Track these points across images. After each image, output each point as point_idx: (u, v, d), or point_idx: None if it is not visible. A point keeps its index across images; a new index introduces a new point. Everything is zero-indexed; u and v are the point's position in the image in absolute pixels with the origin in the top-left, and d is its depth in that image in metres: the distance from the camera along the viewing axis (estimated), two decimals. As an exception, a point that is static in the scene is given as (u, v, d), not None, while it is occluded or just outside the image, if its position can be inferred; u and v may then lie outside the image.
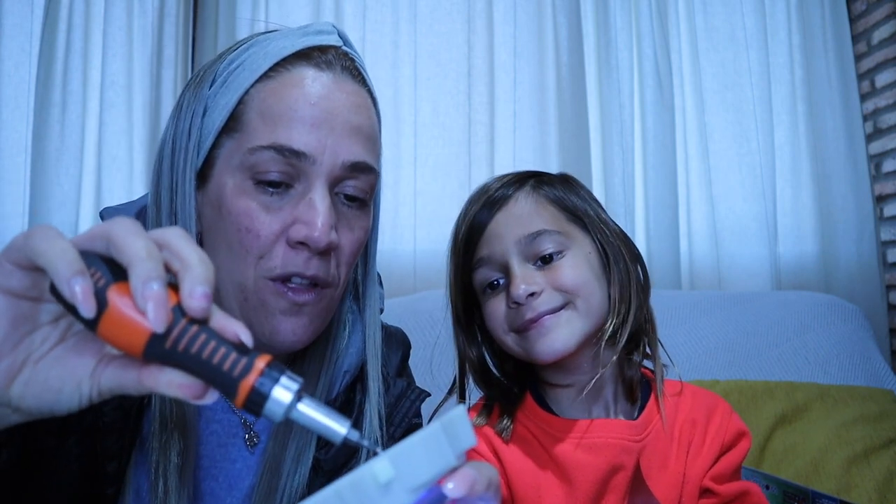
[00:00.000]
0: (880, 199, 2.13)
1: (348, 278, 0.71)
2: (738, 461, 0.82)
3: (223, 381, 0.39)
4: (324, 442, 0.69)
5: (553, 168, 2.01)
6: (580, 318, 0.77)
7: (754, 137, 2.11)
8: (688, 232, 2.10)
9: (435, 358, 1.46)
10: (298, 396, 0.40)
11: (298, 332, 0.65)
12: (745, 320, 1.65)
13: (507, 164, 2.03)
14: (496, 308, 0.79)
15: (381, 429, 0.72)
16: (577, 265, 0.78)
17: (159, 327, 0.38)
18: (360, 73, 0.69)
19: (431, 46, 2.07)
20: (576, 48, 2.07)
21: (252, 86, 0.64)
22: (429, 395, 0.81)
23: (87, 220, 1.89)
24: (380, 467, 0.36)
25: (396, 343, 0.85)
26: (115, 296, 0.39)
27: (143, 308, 0.38)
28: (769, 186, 2.10)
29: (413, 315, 1.61)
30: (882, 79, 2.12)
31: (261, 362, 0.40)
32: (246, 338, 0.40)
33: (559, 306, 0.76)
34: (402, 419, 0.76)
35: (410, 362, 0.91)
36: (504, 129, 2.06)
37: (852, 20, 2.21)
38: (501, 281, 0.79)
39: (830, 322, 1.65)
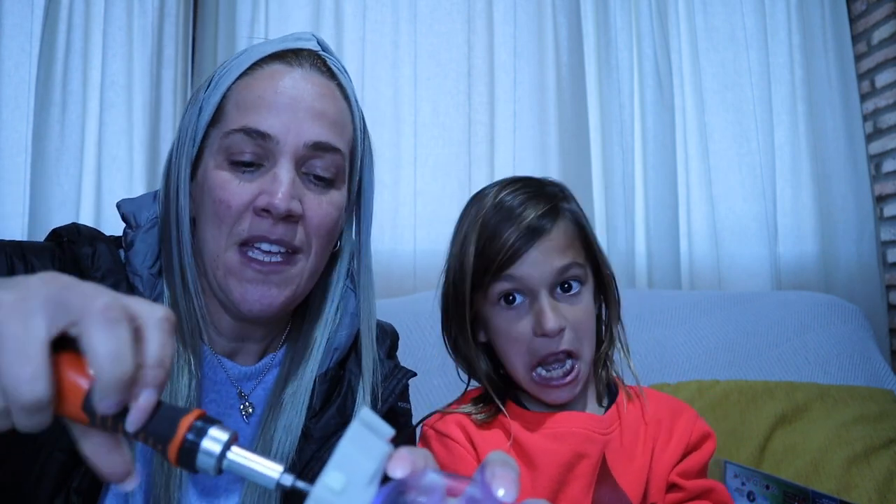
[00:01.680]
0: (880, 199, 2.13)
1: (324, 255, 0.76)
2: (703, 460, 0.89)
3: (155, 439, 0.40)
4: (313, 412, 0.76)
5: (553, 168, 2.02)
6: (585, 367, 0.85)
7: (754, 137, 2.11)
8: (688, 232, 2.10)
9: (435, 358, 1.45)
10: (228, 446, 0.41)
11: (265, 300, 0.71)
12: (745, 320, 1.65)
13: (507, 164, 2.04)
14: (518, 328, 0.84)
15: (373, 406, 0.78)
16: (587, 301, 0.86)
17: (131, 428, 0.39)
18: (329, 70, 0.76)
19: (431, 46, 2.07)
20: (576, 48, 2.07)
21: (233, 83, 0.73)
22: (414, 374, 0.87)
23: (86, 220, 1.88)
24: (330, 477, 0.38)
25: (384, 334, 0.91)
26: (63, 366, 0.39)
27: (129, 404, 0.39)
28: (769, 186, 2.10)
29: (413, 315, 1.61)
30: (882, 79, 2.12)
31: (190, 417, 0.41)
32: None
33: (575, 353, 0.84)
34: (388, 396, 0.81)
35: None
36: (504, 129, 2.06)
37: (852, 20, 2.21)
38: (519, 298, 0.84)
39: (830, 322, 1.65)
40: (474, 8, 2.09)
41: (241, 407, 0.76)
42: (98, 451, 0.40)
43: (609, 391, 0.92)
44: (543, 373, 0.84)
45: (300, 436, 0.74)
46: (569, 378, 0.83)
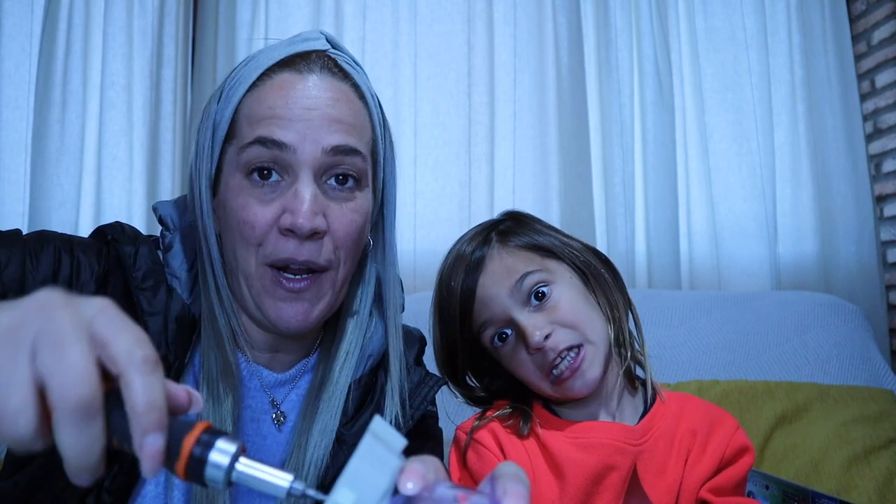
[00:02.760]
0: (880, 199, 2.13)
1: (354, 260, 0.76)
2: (738, 476, 0.85)
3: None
4: (347, 418, 0.76)
5: (553, 168, 2.02)
6: (596, 348, 0.83)
7: (754, 137, 2.11)
8: (688, 232, 2.10)
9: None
10: (237, 457, 0.40)
11: (300, 316, 0.71)
12: (745, 320, 1.65)
13: (507, 164, 2.04)
14: (520, 358, 0.85)
15: (402, 407, 0.78)
16: (567, 294, 0.85)
17: (148, 476, 0.38)
18: (341, 71, 0.74)
19: (431, 46, 2.07)
20: (576, 48, 2.07)
21: (243, 96, 0.71)
22: (445, 382, 0.88)
23: (87, 220, 1.88)
24: (341, 494, 0.37)
25: (412, 339, 0.91)
26: None
27: (137, 455, 0.38)
28: (769, 186, 2.10)
29: (413, 315, 1.61)
30: (882, 79, 2.12)
31: (196, 431, 0.40)
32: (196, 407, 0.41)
33: (577, 344, 0.83)
34: (421, 403, 0.81)
35: None
36: (504, 129, 2.06)
37: (852, 20, 2.21)
38: (509, 332, 0.85)
39: (830, 322, 1.65)
40: (474, 8, 2.09)
41: (274, 415, 0.76)
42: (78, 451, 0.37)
43: (645, 399, 0.89)
44: (556, 372, 0.83)
45: (335, 443, 0.74)
46: (577, 363, 0.82)
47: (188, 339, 0.72)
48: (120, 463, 0.65)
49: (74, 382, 0.35)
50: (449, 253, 0.92)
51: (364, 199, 0.74)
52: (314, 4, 2.04)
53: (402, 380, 0.79)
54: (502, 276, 0.84)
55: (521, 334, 0.83)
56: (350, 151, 0.71)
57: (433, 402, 0.89)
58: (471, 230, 0.93)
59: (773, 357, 1.58)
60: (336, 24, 2.03)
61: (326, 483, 0.72)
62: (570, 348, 0.82)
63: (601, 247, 1.88)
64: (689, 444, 0.85)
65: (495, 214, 0.97)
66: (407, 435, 0.70)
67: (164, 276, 0.72)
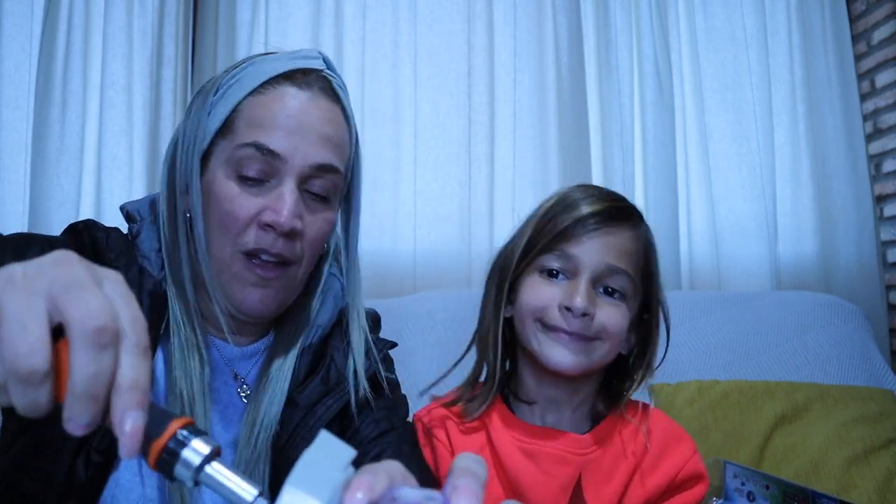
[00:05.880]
0: (880, 199, 2.13)
1: (314, 262, 0.84)
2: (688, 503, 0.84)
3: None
4: (298, 382, 0.83)
5: (553, 168, 2.02)
6: (596, 355, 0.84)
7: (754, 137, 2.11)
8: (688, 232, 2.10)
9: (435, 357, 1.46)
10: (208, 460, 0.40)
11: (265, 301, 0.79)
12: (745, 320, 1.65)
13: (507, 164, 2.04)
14: (547, 293, 0.83)
15: (354, 377, 0.84)
16: (624, 318, 0.84)
17: (126, 456, 0.39)
18: (335, 93, 0.81)
19: (431, 46, 2.07)
20: (576, 48, 2.07)
21: (244, 98, 0.77)
22: (395, 344, 0.94)
23: (87, 220, 1.88)
24: (288, 495, 0.36)
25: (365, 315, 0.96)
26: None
27: (116, 433, 0.38)
28: (769, 186, 2.10)
29: (413, 315, 1.61)
30: (882, 79, 2.12)
31: (176, 424, 0.40)
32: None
33: (592, 337, 0.83)
34: (370, 365, 0.87)
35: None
36: (504, 129, 2.06)
37: (852, 20, 2.21)
38: (560, 276, 0.84)
39: (830, 322, 1.65)
40: (474, 8, 2.09)
41: (239, 390, 0.83)
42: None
43: (607, 408, 0.90)
44: (553, 323, 0.82)
45: (287, 404, 0.81)
46: (584, 332, 0.81)
47: (161, 315, 0.78)
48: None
49: (92, 314, 0.37)
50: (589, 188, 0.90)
51: (333, 210, 0.83)
52: (314, 4, 2.04)
53: (359, 354, 0.86)
54: (617, 250, 0.83)
55: (571, 289, 0.81)
56: (332, 169, 0.79)
57: (390, 369, 0.94)
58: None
59: (773, 357, 1.58)
60: (336, 24, 2.03)
61: (281, 444, 0.79)
62: (583, 337, 0.82)
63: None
64: (640, 457, 0.84)
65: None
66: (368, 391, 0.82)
67: (135, 257, 0.79)
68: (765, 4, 2.18)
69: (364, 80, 2.02)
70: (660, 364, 0.91)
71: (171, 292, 0.79)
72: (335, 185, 0.81)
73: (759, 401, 1.43)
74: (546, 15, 2.09)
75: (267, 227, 0.76)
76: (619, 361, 0.90)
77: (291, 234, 0.77)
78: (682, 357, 1.58)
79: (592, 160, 2.05)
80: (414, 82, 2.05)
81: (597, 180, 2.06)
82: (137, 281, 0.76)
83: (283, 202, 0.75)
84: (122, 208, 0.86)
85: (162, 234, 0.80)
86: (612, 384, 0.92)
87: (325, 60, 0.83)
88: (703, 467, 0.87)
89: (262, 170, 0.76)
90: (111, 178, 1.90)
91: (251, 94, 0.77)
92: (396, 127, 2.03)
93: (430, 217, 2.00)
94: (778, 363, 1.57)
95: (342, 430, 0.84)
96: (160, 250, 0.80)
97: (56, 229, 1.83)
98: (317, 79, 0.80)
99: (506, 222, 1.93)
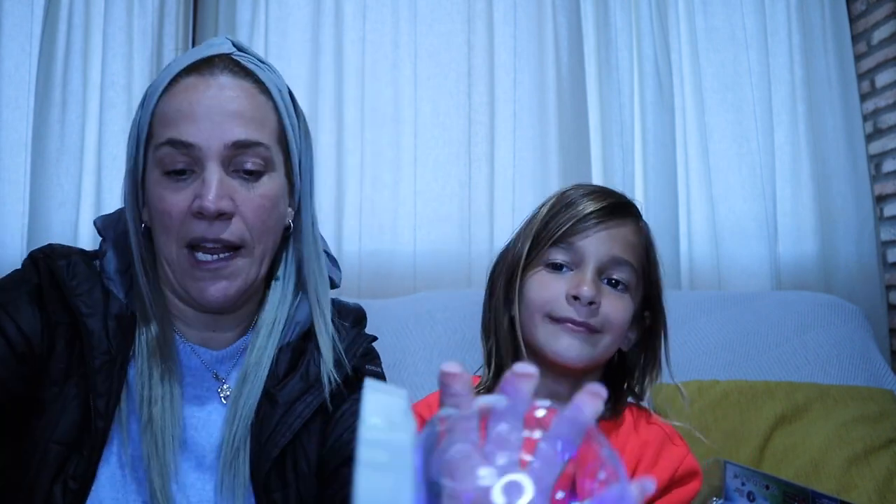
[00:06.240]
0: (880, 199, 2.13)
1: (269, 239, 0.83)
2: (686, 498, 0.87)
3: None
4: (277, 380, 0.84)
5: (553, 168, 2.03)
6: (600, 347, 0.86)
7: (754, 137, 2.11)
8: (688, 232, 2.09)
9: (435, 358, 1.46)
10: None
11: (220, 293, 0.79)
12: (745, 320, 1.65)
13: (507, 164, 2.03)
14: (554, 285, 0.86)
15: (338, 367, 0.85)
16: (626, 309, 0.87)
17: None
18: (243, 70, 0.81)
19: (431, 46, 2.07)
20: (576, 48, 2.07)
21: (157, 102, 0.80)
22: (375, 338, 0.94)
23: (87, 220, 1.88)
24: (371, 417, 0.35)
25: (347, 311, 0.97)
26: None
27: None
28: (769, 186, 2.10)
29: (413, 315, 1.61)
30: (882, 79, 2.12)
31: None
32: None
33: (597, 329, 0.85)
34: (351, 358, 0.88)
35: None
36: (504, 129, 2.06)
37: (852, 20, 2.21)
38: (565, 269, 0.86)
39: (830, 322, 1.65)
40: (474, 8, 2.09)
41: (219, 390, 0.85)
42: None
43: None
44: (561, 314, 0.84)
45: (267, 401, 0.82)
46: (590, 321, 0.83)
47: (130, 335, 0.80)
48: (80, 451, 0.74)
49: None
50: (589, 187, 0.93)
51: (272, 183, 0.82)
52: (314, 4, 2.04)
53: (336, 341, 0.87)
54: (620, 243, 0.86)
55: (577, 280, 0.84)
56: (252, 144, 0.79)
57: (375, 363, 0.95)
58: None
59: (773, 357, 1.58)
60: (336, 24, 2.03)
61: (262, 441, 0.80)
62: (589, 329, 0.84)
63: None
64: (639, 454, 0.87)
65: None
66: (349, 383, 0.84)
67: (99, 280, 0.81)
68: (765, 4, 2.18)
69: (364, 80, 2.02)
70: (661, 364, 0.92)
71: (138, 306, 0.81)
72: (264, 158, 0.81)
73: (759, 401, 1.43)
74: (546, 15, 2.09)
75: (199, 214, 0.77)
76: (618, 362, 0.91)
77: (223, 216, 0.78)
78: (682, 357, 1.57)
79: (592, 160, 2.05)
80: (414, 82, 2.05)
81: (597, 180, 2.06)
82: (103, 304, 0.79)
83: (207, 186, 0.76)
84: (94, 223, 0.88)
85: (134, 249, 0.82)
86: (612, 384, 0.92)
87: (236, 44, 0.84)
88: (697, 464, 0.90)
89: (184, 162, 0.78)
90: (111, 178, 1.90)
91: (161, 95, 0.80)
92: (396, 127, 2.03)
93: (430, 217, 2.00)
94: (778, 363, 1.57)
95: (323, 426, 0.85)
96: (126, 271, 0.82)
97: (56, 229, 1.83)
98: (221, 61, 0.81)
99: (506, 222, 1.93)
